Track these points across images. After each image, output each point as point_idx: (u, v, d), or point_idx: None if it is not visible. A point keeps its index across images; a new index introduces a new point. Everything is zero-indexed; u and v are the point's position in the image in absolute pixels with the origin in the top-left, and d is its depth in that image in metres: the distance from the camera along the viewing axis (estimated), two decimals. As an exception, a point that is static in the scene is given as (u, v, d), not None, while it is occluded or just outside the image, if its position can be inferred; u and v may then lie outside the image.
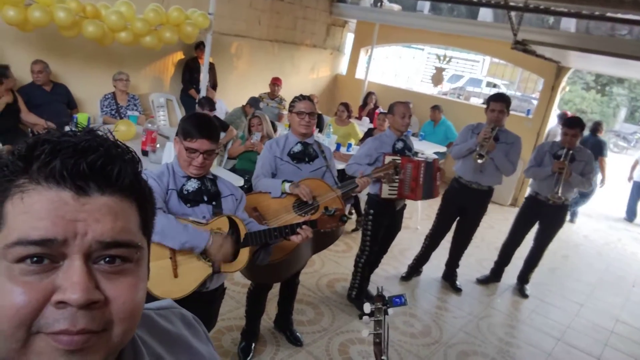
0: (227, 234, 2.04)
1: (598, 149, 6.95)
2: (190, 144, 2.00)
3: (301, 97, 2.89)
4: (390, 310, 1.32)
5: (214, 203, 2.12)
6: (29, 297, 0.47)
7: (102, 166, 0.50)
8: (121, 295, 0.52)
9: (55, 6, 4.25)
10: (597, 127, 7.20)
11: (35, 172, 0.49)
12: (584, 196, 7.30)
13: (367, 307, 1.31)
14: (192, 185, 2.09)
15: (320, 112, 6.41)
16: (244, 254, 2.11)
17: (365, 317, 1.30)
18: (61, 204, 0.49)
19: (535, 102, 9.42)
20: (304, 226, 2.24)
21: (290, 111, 2.90)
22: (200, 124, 2.03)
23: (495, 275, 4.65)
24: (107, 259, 0.51)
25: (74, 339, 0.48)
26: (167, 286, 1.98)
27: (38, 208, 0.48)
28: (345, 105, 6.17)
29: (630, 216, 8.10)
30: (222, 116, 5.93)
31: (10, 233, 0.48)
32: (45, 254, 0.48)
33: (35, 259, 0.48)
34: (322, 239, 2.85)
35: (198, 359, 0.72)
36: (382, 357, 1.24)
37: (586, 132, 7.41)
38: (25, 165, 0.50)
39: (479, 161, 3.83)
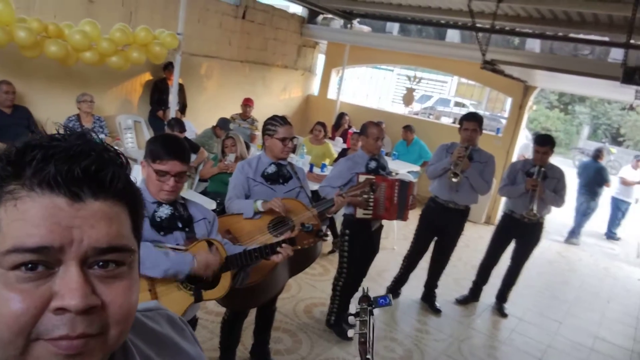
0: (209, 249, 1.95)
1: (601, 177, 7.29)
2: (160, 166, 1.88)
3: (282, 122, 2.75)
4: (376, 311, 1.36)
5: (187, 229, 2.00)
6: (27, 304, 0.47)
7: (96, 171, 0.50)
8: (117, 299, 0.52)
9: (15, 25, 4.08)
10: (598, 153, 7.47)
11: (28, 179, 0.49)
12: (585, 215, 7.56)
13: (353, 308, 1.31)
14: (164, 211, 1.95)
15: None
16: (226, 278, 2.01)
17: (350, 317, 1.33)
18: (56, 211, 0.48)
19: (503, 121, 9.61)
20: (283, 245, 2.17)
21: (269, 135, 2.76)
22: (170, 145, 1.91)
23: (474, 295, 4.61)
24: (102, 263, 0.51)
25: (73, 343, 0.49)
26: None
27: (33, 215, 0.48)
28: (322, 125, 6.12)
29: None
30: (190, 138, 5.78)
31: (5, 240, 0.48)
32: (41, 261, 0.48)
33: (30, 265, 0.48)
34: (300, 261, 2.74)
35: (186, 358, 0.72)
36: (367, 357, 1.25)
37: (587, 159, 7.77)
38: (15, 171, 0.49)
39: (454, 180, 3.80)
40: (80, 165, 0.49)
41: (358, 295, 3.93)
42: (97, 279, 0.51)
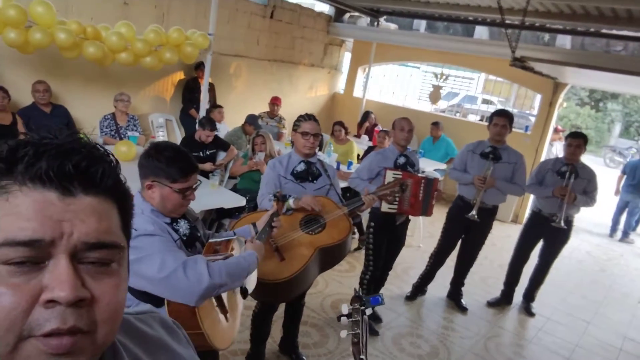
0: (252, 238, 2.04)
1: None
2: (184, 184, 1.80)
3: (306, 117, 2.87)
4: (368, 310, 1.34)
5: (199, 234, 1.99)
6: (18, 298, 0.48)
7: (87, 167, 0.51)
8: (106, 295, 0.52)
9: (55, 28, 4.25)
10: None
11: (20, 174, 0.49)
12: (632, 214, 7.67)
13: (345, 308, 1.32)
14: (184, 226, 1.89)
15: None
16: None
17: (343, 318, 1.31)
18: (47, 205, 0.49)
19: (532, 119, 9.47)
20: (275, 219, 2.29)
21: (294, 130, 2.88)
22: (184, 160, 1.82)
23: (506, 297, 4.56)
24: (91, 260, 0.52)
25: (63, 342, 0.49)
26: (226, 334, 1.89)
27: (24, 209, 0.49)
28: (341, 124, 6.17)
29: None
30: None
31: None
32: (32, 255, 0.49)
33: (21, 259, 0.48)
34: (330, 258, 2.81)
35: None
36: (361, 357, 1.24)
37: (636, 158, 7.78)
38: (7, 167, 0.50)
39: (476, 218, 3.85)
40: (72, 161, 0.50)
41: (378, 308, 3.98)
42: (87, 273, 0.52)
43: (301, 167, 2.90)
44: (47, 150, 0.50)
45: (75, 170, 0.51)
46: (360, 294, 1.37)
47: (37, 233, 0.49)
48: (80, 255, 0.51)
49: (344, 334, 1.28)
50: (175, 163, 1.78)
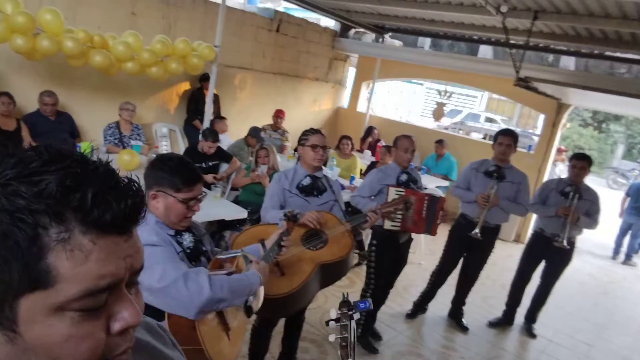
0: (257, 260, 2.00)
1: None
2: (188, 194, 1.78)
3: (313, 131, 2.86)
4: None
5: (204, 249, 1.95)
6: (99, 335, 0.52)
7: (139, 207, 0.55)
8: (141, 310, 0.58)
9: (63, 35, 4.28)
10: None
11: (81, 223, 0.50)
12: (636, 237, 7.69)
13: (334, 313, 1.34)
14: (188, 239, 1.86)
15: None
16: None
17: (331, 322, 1.33)
18: (115, 247, 0.52)
19: (535, 138, 9.48)
20: (284, 238, 2.25)
21: (302, 144, 2.86)
22: (188, 169, 1.81)
23: (508, 318, 4.50)
24: (132, 284, 0.57)
25: (129, 357, 0.56)
26: (227, 352, 1.83)
27: (96, 257, 0.50)
28: (349, 138, 6.19)
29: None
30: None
31: (72, 286, 0.49)
32: (107, 297, 0.53)
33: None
34: (331, 274, 2.77)
35: None
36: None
37: (636, 181, 7.91)
38: (59, 212, 0.49)
39: (479, 236, 3.81)
40: (129, 204, 0.53)
41: (377, 326, 3.93)
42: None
43: (307, 181, 2.88)
44: (104, 192, 0.50)
45: (132, 211, 0.53)
46: (348, 298, 1.38)
47: (115, 276, 0.52)
48: (129, 281, 0.56)
49: (332, 337, 1.31)
50: (178, 172, 1.77)
